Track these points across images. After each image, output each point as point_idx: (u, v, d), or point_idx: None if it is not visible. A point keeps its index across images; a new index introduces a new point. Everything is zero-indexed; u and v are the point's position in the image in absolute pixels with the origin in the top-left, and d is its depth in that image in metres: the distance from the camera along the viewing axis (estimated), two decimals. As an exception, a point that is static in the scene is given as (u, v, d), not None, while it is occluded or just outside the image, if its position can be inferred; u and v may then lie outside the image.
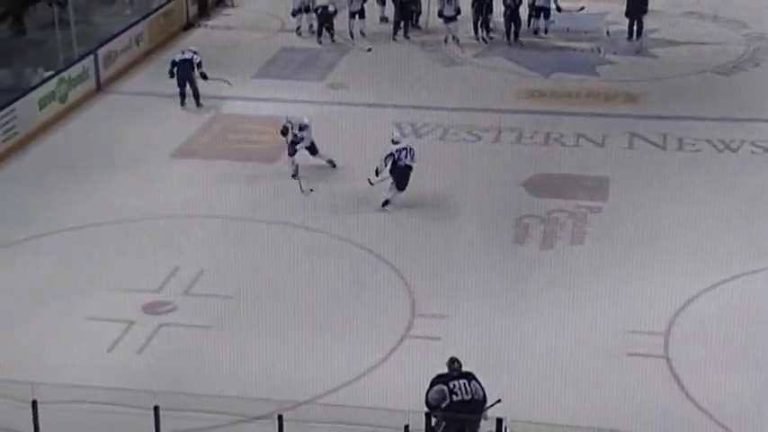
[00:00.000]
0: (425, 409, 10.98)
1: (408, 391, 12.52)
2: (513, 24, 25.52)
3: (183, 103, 21.61)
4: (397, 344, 14.05)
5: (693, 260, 15.93)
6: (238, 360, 13.63)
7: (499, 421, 10.37)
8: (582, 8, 27.08)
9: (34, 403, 10.27)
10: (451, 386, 10.94)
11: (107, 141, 20.65)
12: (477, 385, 11.04)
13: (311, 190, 17.87)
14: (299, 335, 14.19)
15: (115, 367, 13.55)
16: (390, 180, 17.40)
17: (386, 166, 17.24)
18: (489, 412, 10.97)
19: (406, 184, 17.32)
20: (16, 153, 20.09)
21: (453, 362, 11.31)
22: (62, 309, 14.93)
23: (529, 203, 17.94)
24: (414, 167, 17.38)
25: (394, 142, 17.45)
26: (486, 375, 13.03)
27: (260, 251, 16.52)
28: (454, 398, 10.89)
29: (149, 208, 17.82)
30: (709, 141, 20.34)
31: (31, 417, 10.28)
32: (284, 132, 18.64)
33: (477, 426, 11.02)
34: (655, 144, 20.42)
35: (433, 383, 11.04)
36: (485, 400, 11.06)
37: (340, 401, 12.54)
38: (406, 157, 17.24)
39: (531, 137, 20.76)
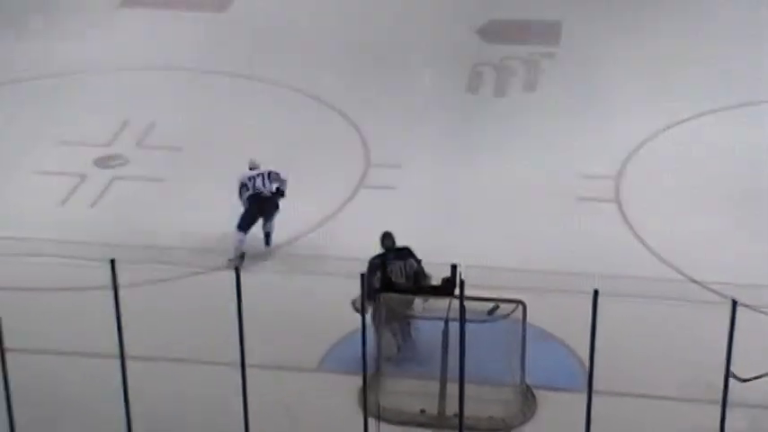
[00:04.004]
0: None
1: (364, 240, 12.61)
2: None
3: None
4: (351, 194, 14.10)
5: (645, 104, 16.01)
6: (193, 213, 13.63)
7: (453, 267, 10.53)
8: None
9: (-11, 258, 10.27)
10: (388, 270, 10.87)
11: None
12: (413, 262, 10.97)
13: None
14: (254, 186, 14.17)
15: (69, 221, 13.51)
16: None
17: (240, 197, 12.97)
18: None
19: (255, 218, 12.84)
20: (-45, 4, 19.52)
21: (385, 238, 11.12)
22: (10, 163, 14.77)
23: (482, 50, 17.81)
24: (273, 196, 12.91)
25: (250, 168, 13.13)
26: (440, 222, 13.16)
27: (211, 102, 16.33)
28: (394, 278, 10.80)
29: (97, 59, 17.47)
30: (663, -19, 20.15)
31: (-14, 271, 10.30)
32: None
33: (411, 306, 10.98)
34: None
35: (370, 265, 10.85)
36: (421, 272, 10.98)
37: (296, 252, 12.65)
38: (262, 184, 12.82)
39: (484, -18, 20.43)
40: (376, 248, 11.26)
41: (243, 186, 12.80)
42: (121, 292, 9.85)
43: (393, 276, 10.88)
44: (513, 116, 15.92)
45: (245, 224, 12.62)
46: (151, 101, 16.30)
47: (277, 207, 12.78)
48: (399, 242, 11.21)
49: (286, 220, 13.33)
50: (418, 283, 10.84)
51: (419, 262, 11.02)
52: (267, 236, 12.88)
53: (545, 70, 17.23)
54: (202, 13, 19.14)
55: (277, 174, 12.83)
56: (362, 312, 9.46)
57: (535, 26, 18.68)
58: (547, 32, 18.40)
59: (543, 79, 17.00)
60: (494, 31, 18.47)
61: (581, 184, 14.18)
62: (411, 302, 10.86)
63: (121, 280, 10.10)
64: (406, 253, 11.08)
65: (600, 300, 8.92)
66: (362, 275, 9.86)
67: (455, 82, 16.80)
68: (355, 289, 10.26)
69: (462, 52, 17.69)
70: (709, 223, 13.41)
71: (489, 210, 13.64)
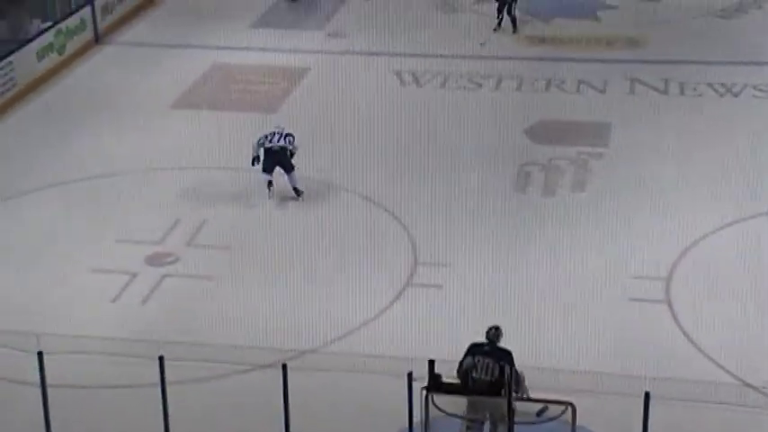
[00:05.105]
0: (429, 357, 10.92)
1: (411, 338, 12.62)
2: None
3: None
4: (399, 292, 14.09)
5: (695, 205, 15.94)
6: (242, 310, 13.69)
7: (502, 368, 10.45)
8: None
9: (40, 354, 10.33)
10: (476, 360, 10.83)
11: (106, 93, 20.58)
12: (505, 366, 10.73)
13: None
14: (302, 284, 14.24)
15: (119, 318, 13.61)
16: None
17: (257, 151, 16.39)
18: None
19: (273, 165, 16.29)
20: (16, 105, 20.02)
21: (490, 330, 11.03)
22: (65, 261, 14.97)
23: (530, 151, 17.90)
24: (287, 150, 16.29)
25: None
26: (487, 322, 13.08)
27: (261, 201, 16.51)
28: (474, 374, 10.81)
29: (150, 159, 17.80)
30: (710, 86, 20.25)
31: (36, 367, 10.36)
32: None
33: (498, 406, 10.84)
34: (656, 89, 20.34)
35: (466, 351, 10.91)
36: (508, 381, 10.85)
37: (343, 350, 12.62)
38: (277, 141, 16.26)
39: (532, 84, 20.67)
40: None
41: (264, 137, 16.18)
42: (169, 390, 9.88)
43: (479, 370, 10.68)
44: (562, 216, 15.90)
45: (267, 168, 16.22)
46: (202, 200, 16.52)
47: (288, 160, 16.16)
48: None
49: (332, 317, 13.36)
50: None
51: (509, 367, 10.65)
52: (295, 190, 16.25)
53: (594, 170, 17.25)
54: (253, 113, 19.48)
55: (292, 137, 16.21)
56: (409, 409, 9.39)
57: (584, 127, 18.77)
58: (596, 133, 18.48)
59: (592, 179, 17.01)
60: (542, 132, 18.59)
61: (631, 284, 14.06)
62: (479, 407, 10.62)
63: (169, 377, 10.15)
64: (502, 355, 10.76)
65: (651, 402, 8.78)
66: (409, 374, 9.80)
67: (503, 181, 16.87)
68: (402, 387, 10.23)
69: (510, 152, 17.79)
70: (762, 325, 13.20)
71: (538, 309, 13.54)
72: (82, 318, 13.50)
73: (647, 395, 8.70)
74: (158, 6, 25.02)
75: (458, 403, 10.77)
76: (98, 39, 22.99)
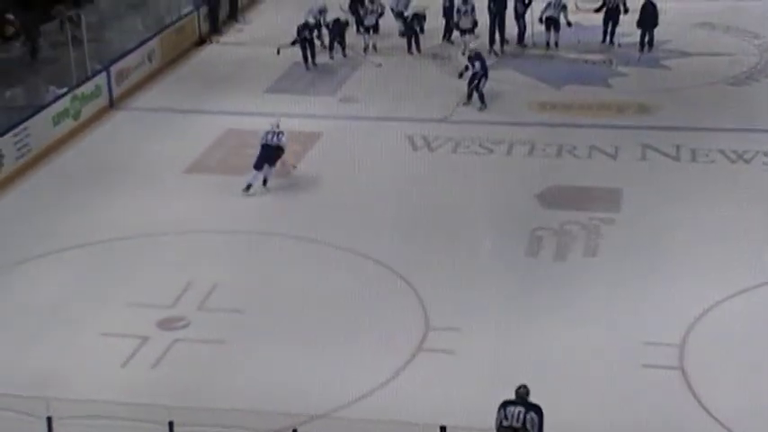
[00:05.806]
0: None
1: (422, 404, 12.53)
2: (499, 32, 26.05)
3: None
4: (410, 357, 14.02)
5: (707, 271, 15.88)
6: (253, 374, 13.65)
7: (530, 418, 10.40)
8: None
9: (49, 419, 10.30)
10: (507, 411, 11.08)
11: (120, 157, 20.74)
12: (534, 416, 11.05)
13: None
14: (313, 348, 14.19)
15: (130, 383, 13.56)
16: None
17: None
18: None
19: (263, 161, 18.68)
20: (31, 170, 20.18)
21: (519, 388, 11.33)
22: (77, 324, 14.96)
23: (542, 216, 17.92)
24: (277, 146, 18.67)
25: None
26: (499, 387, 13.01)
27: (272, 265, 16.53)
28: (504, 422, 11.03)
29: (163, 223, 17.87)
30: (722, 152, 20.30)
31: (45, 432, 10.33)
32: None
33: None
34: (668, 155, 20.39)
35: (498, 409, 11.21)
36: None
37: (354, 415, 12.54)
38: (272, 138, 18.65)
39: (544, 149, 20.75)
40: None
41: (262, 138, 18.47)
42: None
43: (509, 419, 11.05)
44: (573, 281, 15.86)
45: (258, 165, 18.40)
46: (214, 263, 16.54)
47: (276, 157, 18.48)
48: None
49: (343, 382, 13.29)
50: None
51: (531, 417, 10.97)
52: (265, 180, 18.45)
53: (606, 236, 17.24)
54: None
55: (283, 134, 18.44)
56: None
57: (595, 192, 18.80)
58: (607, 199, 18.50)
59: (604, 245, 16.99)
60: (554, 197, 18.62)
61: (644, 351, 13.96)
62: None
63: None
64: (532, 407, 11.12)
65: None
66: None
67: (514, 246, 16.86)
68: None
69: (522, 217, 17.81)
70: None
71: (549, 375, 13.44)
72: (92, 382, 13.45)
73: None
74: (173, 73, 25.30)
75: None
76: (113, 104, 23.23)
